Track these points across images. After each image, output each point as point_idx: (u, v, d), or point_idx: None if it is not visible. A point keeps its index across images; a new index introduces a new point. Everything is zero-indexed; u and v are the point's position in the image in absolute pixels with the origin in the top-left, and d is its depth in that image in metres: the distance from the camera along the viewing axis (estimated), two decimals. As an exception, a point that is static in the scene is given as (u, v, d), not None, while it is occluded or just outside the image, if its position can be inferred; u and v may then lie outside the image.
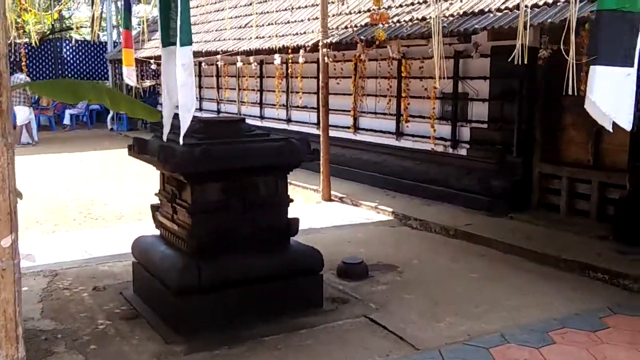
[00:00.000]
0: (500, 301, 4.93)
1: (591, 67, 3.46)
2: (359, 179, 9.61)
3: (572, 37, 3.71)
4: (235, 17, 12.79)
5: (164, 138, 4.04)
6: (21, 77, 16.23)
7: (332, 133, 9.67)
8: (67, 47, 24.29)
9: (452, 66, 8.06)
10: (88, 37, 28.82)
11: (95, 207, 8.50)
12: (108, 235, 6.99)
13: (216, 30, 13.02)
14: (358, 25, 8.65)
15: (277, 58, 9.65)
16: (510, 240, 6.40)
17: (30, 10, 31.13)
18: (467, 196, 7.77)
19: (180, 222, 4.61)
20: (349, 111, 9.67)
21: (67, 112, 19.11)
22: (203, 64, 12.72)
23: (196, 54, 12.22)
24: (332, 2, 9.74)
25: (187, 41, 3.67)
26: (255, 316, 4.50)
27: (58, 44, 24.40)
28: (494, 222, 7.15)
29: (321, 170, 8.87)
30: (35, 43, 24.29)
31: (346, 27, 8.83)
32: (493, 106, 7.72)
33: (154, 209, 5.12)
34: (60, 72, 22.74)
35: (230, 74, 13.09)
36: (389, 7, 8.55)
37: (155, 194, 5.07)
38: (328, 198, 8.88)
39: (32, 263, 6.02)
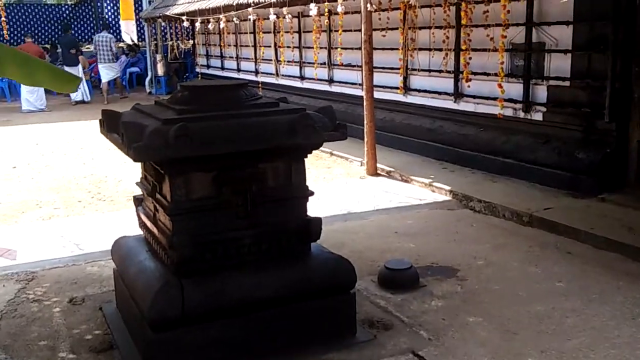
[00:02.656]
0: (603, 331, 3.56)
1: None
2: (410, 148, 8.22)
3: None
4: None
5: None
6: (105, 35, 16.11)
7: (378, 95, 8.28)
8: (108, 7, 23.45)
9: (525, 9, 6.50)
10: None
11: (106, 186, 7.45)
12: (110, 223, 5.90)
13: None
14: (408, -38, 7.16)
15: (314, 8, 8.25)
16: (605, 232, 4.97)
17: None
18: (545, 171, 6.30)
19: (161, 225, 3.42)
20: (398, 69, 8.22)
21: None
22: (235, 19, 11.40)
23: (228, 8, 10.94)
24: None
25: None
26: (262, 354, 3.31)
27: (99, 3, 23.59)
28: (581, 205, 5.69)
29: (365, 139, 7.53)
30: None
31: (393, -34, 7.35)
32: (578, 58, 6.16)
33: (137, 202, 3.94)
34: (95, 30, 21.91)
35: (266, 29, 11.75)
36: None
37: (137, 184, 3.88)
38: (374, 172, 7.56)
39: (11, 261, 5.05)
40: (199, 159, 3.17)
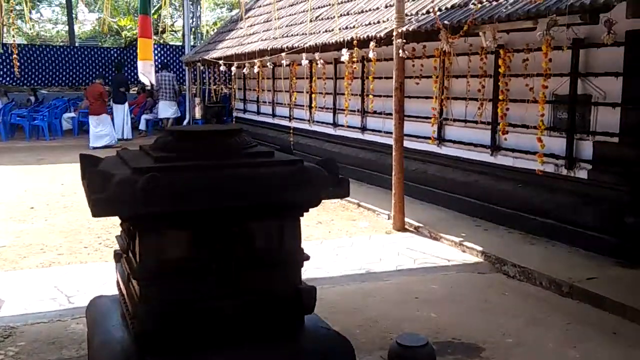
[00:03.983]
0: None
1: None
2: (442, 202, 7.67)
3: None
4: (306, 10, 11.16)
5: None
6: (167, 74, 17.47)
7: (410, 144, 7.83)
8: (156, 51, 23.82)
9: (570, 58, 5.99)
10: (171, 42, 28.50)
11: (117, 231, 7.09)
12: (110, 272, 5.49)
13: (286, 26, 11.45)
14: (443, 8, 6.74)
15: (346, 54, 7.90)
16: (658, 311, 4.31)
17: (128, 16, 31.47)
18: (588, 235, 5.66)
19: (131, 289, 2.98)
20: (431, 118, 7.74)
21: (143, 118, 18.28)
22: (269, 64, 11.18)
23: (262, 52, 10.74)
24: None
25: None
26: None
27: (146, 48, 24.04)
28: (629, 276, 5.02)
29: (393, 191, 7.03)
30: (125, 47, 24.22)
31: (427, 12, 6.94)
32: (628, 112, 5.58)
33: (117, 257, 3.52)
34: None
35: (300, 75, 11.48)
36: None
37: (116, 237, 3.47)
38: (401, 227, 7.03)
39: (-4, 313, 4.69)
40: (174, 215, 2.74)
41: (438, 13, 6.49)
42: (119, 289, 3.32)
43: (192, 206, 2.71)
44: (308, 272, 5.53)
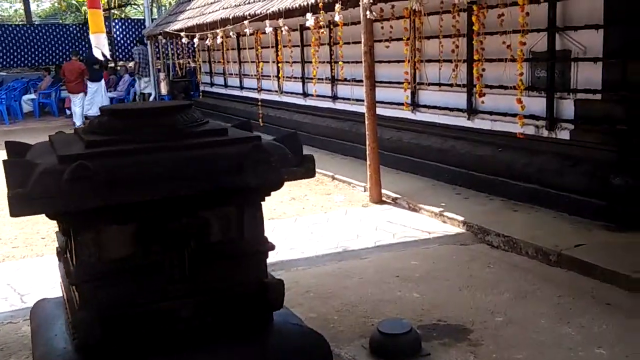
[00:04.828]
0: None
1: None
2: (419, 171, 7.35)
3: None
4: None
5: None
6: (143, 48, 16.94)
7: (384, 112, 7.49)
8: (117, 27, 22.99)
9: (546, 12, 5.64)
10: (135, 17, 27.58)
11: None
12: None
13: (247, -8, 10.90)
14: (411, -37, 6.32)
15: (311, 18, 7.45)
16: (652, 278, 4.05)
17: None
18: (574, 199, 5.39)
19: (70, 294, 2.61)
20: (403, 83, 7.37)
21: (107, 95, 17.57)
22: (233, 34, 10.66)
23: (224, 22, 10.21)
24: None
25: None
26: None
27: (107, 23, 23.11)
28: (619, 241, 4.76)
29: (368, 162, 6.68)
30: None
31: (396, -32, 6.53)
32: (611, 67, 5.26)
33: (59, 255, 3.13)
34: (111, 51, 21.42)
35: (266, 44, 10.99)
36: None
37: (56, 233, 3.07)
38: (378, 199, 6.70)
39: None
40: (111, 209, 2.36)
41: (407, -31, 6.08)
42: (62, 292, 2.95)
43: (132, 197, 2.33)
44: (281, 253, 5.21)
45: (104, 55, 9.17)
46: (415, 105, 7.51)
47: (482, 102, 6.38)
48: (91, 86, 15.76)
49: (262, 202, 2.68)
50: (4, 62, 21.12)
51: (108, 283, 2.43)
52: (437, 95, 7.17)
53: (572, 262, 4.50)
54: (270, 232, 5.84)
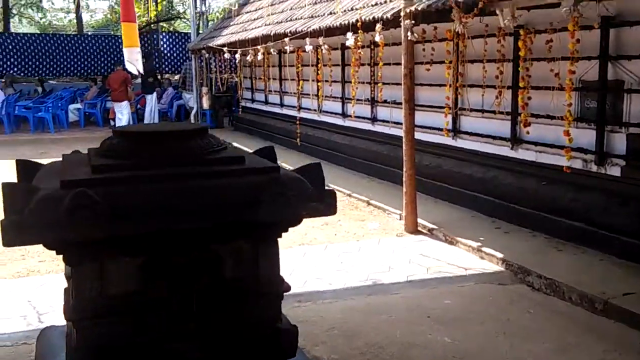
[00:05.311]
0: None
1: None
2: (458, 200, 7.04)
3: None
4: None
5: None
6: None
7: (423, 136, 7.25)
8: (164, 40, 23.35)
9: (598, 39, 5.32)
10: (181, 30, 27.97)
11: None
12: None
13: (291, 9, 10.83)
14: (458, -15, 6.08)
15: (351, 38, 7.28)
16: None
17: (137, 3, 31.09)
18: (623, 241, 5.01)
19: (69, 329, 2.43)
20: (444, 108, 7.10)
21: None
22: (273, 51, 10.56)
23: (266, 38, 10.14)
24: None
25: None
26: None
27: (155, 36, 23.46)
28: (674, 291, 4.38)
29: (404, 189, 6.42)
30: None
31: (441, -10, 6.28)
32: (669, 101, 4.91)
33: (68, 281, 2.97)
34: (157, 64, 21.79)
35: (306, 62, 10.86)
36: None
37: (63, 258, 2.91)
38: (413, 229, 6.42)
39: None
40: (115, 241, 2.18)
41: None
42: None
43: (136, 229, 2.14)
44: (309, 283, 5.01)
45: (137, 71, 9.14)
46: (456, 131, 7.22)
47: (527, 132, 6.05)
48: (146, 98, 16.52)
49: (279, 238, 2.48)
50: (55, 71, 21.62)
51: (108, 320, 2.25)
52: (479, 122, 6.87)
53: (620, 312, 4.14)
54: (301, 257, 5.67)
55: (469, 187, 6.91)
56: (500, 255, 5.33)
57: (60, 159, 2.75)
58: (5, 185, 2.11)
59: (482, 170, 6.82)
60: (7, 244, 2.00)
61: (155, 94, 16.84)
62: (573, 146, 5.53)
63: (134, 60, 8.10)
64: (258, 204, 2.24)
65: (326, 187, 2.41)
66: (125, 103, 15.40)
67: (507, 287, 4.86)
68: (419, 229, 6.44)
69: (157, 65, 21.72)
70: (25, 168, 2.57)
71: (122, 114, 15.31)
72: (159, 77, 20.65)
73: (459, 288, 4.85)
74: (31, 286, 5.06)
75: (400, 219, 6.77)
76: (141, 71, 9.22)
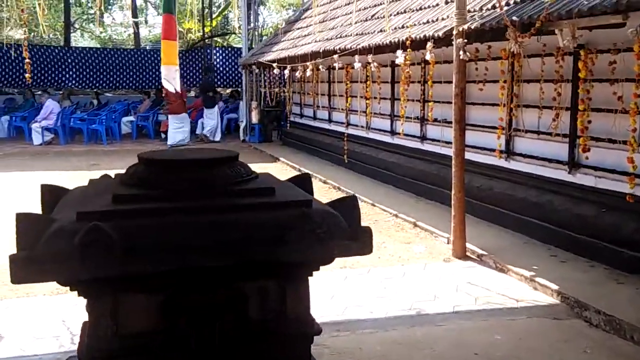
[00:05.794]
0: None
1: None
2: (510, 225, 6.70)
3: None
4: (364, 8, 10.39)
5: None
6: None
7: (474, 157, 6.96)
8: (217, 54, 23.67)
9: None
10: (233, 45, 28.27)
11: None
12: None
13: (341, 26, 10.70)
14: (511, 2, 5.81)
15: (400, 56, 7.07)
16: None
17: (191, 19, 31.66)
18: (692, 277, 4.62)
19: (86, 367, 2.29)
20: (497, 128, 6.79)
21: (200, 122, 17.92)
22: (322, 67, 10.44)
23: (315, 55, 10.03)
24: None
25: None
26: None
27: (208, 51, 23.79)
28: None
29: (453, 212, 6.14)
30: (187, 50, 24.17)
31: (493, 7, 6.02)
32: None
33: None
34: (212, 78, 22.06)
35: (355, 78, 10.69)
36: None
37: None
38: (461, 254, 6.13)
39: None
40: (134, 277, 2.04)
41: (505, 8, 5.57)
42: (86, 356, 2.65)
43: (152, 267, 1.99)
44: (349, 310, 4.79)
45: (174, 89, 9.06)
46: (509, 152, 6.89)
47: (587, 156, 5.68)
48: (206, 112, 16.80)
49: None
50: (111, 84, 22.17)
51: (124, 361, 2.10)
52: (534, 143, 6.53)
53: (689, 357, 3.77)
54: (342, 281, 5.46)
55: (522, 212, 6.56)
56: (555, 286, 4.99)
57: (110, 173, 2.65)
58: (19, 216, 1.99)
59: (537, 194, 6.47)
60: (15, 281, 1.88)
61: (217, 107, 17.13)
62: (637, 173, 5.15)
63: (171, 79, 8.03)
64: (285, 242, 2.06)
65: (362, 225, 2.21)
66: (182, 115, 15.67)
67: (562, 323, 4.53)
68: (468, 254, 6.15)
69: (211, 80, 21.97)
70: (50, 193, 2.47)
71: (175, 126, 15.53)
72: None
73: (510, 322, 4.54)
74: (66, 305, 4.98)
75: (448, 243, 6.48)
76: (178, 89, 9.12)
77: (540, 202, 6.38)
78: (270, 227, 2.08)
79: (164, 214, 2.08)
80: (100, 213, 2.01)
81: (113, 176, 2.70)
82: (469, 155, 6.43)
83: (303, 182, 2.69)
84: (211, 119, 17.01)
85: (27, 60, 6.03)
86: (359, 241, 2.17)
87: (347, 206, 2.25)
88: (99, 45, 34.49)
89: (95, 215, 1.99)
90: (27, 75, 6.56)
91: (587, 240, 5.65)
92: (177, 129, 15.48)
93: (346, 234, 2.15)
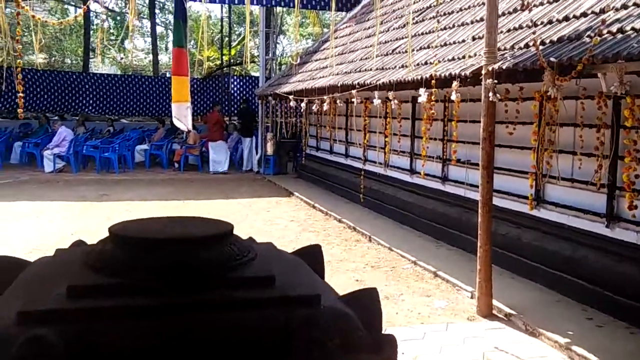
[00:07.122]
0: None
1: None
2: (540, 279, 6.18)
3: None
4: (385, 42, 10.02)
5: None
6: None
7: (500, 202, 6.49)
8: (234, 83, 23.47)
9: None
10: (254, 73, 28.10)
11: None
12: None
13: (360, 59, 10.33)
14: (547, 41, 5.37)
15: (424, 94, 6.64)
16: None
17: (211, 47, 31.66)
18: None
19: None
20: (527, 174, 6.30)
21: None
22: (339, 101, 10.05)
23: (333, 88, 9.65)
24: (506, 14, 6.59)
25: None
26: None
27: (226, 79, 23.60)
28: None
29: (478, 267, 5.63)
30: (204, 78, 24.01)
31: (527, 46, 5.58)
32: None
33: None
34: (227, 106, 21.86)
35: (374, 114, 10.28)
36: (601, 11, 5.22)
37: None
38: (487, 313, 5.60)
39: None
40: (87, 396, 1.57)
41: (541, 48, 5.13)
42: None
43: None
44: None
45: (186, 127, 8.67)
46: (540, 200, 6.39)
47: (633, 216, 5.14)
48: (243, 140, 17.32)
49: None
50: (128, 111, 21.98)
51: None
52: (568, 192, 6.04)
53: None
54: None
55: (554, 266, 6.04)
56: (594, 359, 4.44)
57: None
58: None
59: (570, 247, 5.94)
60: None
61: (253, 138, 17.20)
62: (687, 231, 4.63)
63: (182, 117, 7.58)
64: (284, 354, 1.59)
65: (384, 332, 1.74)
66: (220, 142, 16.56)
67: (604, 406, 3.98)
68: (494, 312, 5.62)
69: (227, 108, 21.73)
70: (2, 271, 2.02)
71: (215, 154, 16.36)
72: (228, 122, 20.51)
73: (545, 402, 4.01)
74: None
75: (471, 298, 5.97)
76: (189, 127, 8.71)
77: (574, 257, 5.85)
78: (266, 333, 1.61)
79: (129, 315, 1.62)
80: (46, 313, 1.56)
81: (87, 244, 2.26)
82: (495, 200, 5.93)
83: (313, 254, 2.23)
84: (245, 148, 17.38)
85: (18, 81, 5.68)
86: (381, 355, 1.70)
87: (366, 302, 1.78)
88: (119, 72, 34.60)
89: (39, 316, 1.54)
90: (19, 96, 6.19)
91: (628, 303, 5.11)
92: (215, 158, 16.34)
93: (365, 344, 1.67)
